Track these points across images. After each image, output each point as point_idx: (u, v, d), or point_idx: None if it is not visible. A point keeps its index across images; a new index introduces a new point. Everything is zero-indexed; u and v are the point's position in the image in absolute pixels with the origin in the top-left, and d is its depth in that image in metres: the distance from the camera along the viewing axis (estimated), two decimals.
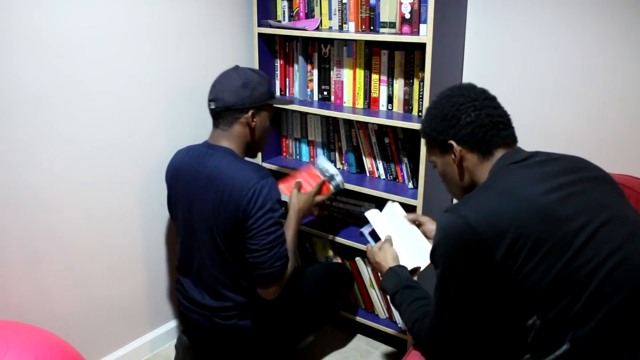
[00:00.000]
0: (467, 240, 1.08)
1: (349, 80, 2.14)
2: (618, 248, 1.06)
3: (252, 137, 1.80)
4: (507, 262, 1.05)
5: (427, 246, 1.63)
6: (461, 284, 1.12)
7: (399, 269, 1.48)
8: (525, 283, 1.06)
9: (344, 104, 2.18)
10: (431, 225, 1.67)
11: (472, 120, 1.22)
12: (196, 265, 1.81)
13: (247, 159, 1.82)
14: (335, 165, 2.30)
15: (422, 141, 1.87)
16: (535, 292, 1.06)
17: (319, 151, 2.33)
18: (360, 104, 2.14)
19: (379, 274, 1.58)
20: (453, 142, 1.24)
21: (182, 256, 1.88)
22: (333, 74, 2.18)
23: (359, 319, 2.23)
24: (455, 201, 2.18)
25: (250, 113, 1.75)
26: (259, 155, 2.36)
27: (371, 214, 1.82)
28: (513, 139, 1.25)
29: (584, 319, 1.04)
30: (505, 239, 1.05)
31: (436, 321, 1.19)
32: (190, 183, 1.76)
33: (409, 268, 1.53)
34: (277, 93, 2.37)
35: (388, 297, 1.47)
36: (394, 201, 1.85)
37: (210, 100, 1.77)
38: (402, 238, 1.67)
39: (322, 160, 2.01)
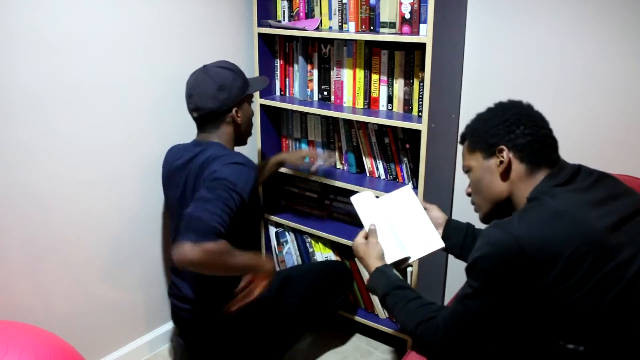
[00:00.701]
0: (516, 262, 1.07)
1: (348, 80, 2.14)
2: None
3: (239, 129, 1.83)
4: (556, 288, 1.05)
5: (433, 234, 1.55)
6: (497, 300, 1.11)
7: (386, 268, 1.44)
8: (573, 309, 1.06)
9: (344, 104, 2.18)
10: (437, 213, 1.61)
11: (530, 132, 1.22)
12: None
13: (237, 150, 1.82)
14: (335, 166, 2.30)
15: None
16: (584, 319, 1.06)
17: (319, 152, 2.33)
18: (360, 104, 2.14)
19: (363, 270, 1.54)
20: (505, 147, 1.23)
21: None
22: (333, 74, 2.18)
23: (358, 318, 2.23)
24: (450, 202, 2.18)
25: (233, 111, 1.77)
26: (259, 155, 2.36)
27: (357, 199, 1.63)
28: (558, 163, 1.25)
29: (636, 347, 1.05)
30: (557, 265, 1.05)
31: (460, 328, 1.18)
32: (180, 183, 1.76)
33: (402, 257, 1.49)
34: (277, 93, 2.37)
35: (376, 297, 1.42)
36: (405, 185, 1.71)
37: (192, 110, 1.77)
38: (401, 226, 1.57)
39: None
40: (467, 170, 1.33)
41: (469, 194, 1.36)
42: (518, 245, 1.06)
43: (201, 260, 1.46)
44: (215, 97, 1.73)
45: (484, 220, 1.33)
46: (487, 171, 1.26)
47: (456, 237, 1.56)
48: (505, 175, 1.24)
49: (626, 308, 1.05)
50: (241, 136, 1.86)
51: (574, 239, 1.06)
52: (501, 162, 1.23)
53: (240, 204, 1.57)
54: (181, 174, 1.76)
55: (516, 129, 1.22)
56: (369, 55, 2.06)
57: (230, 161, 1.64)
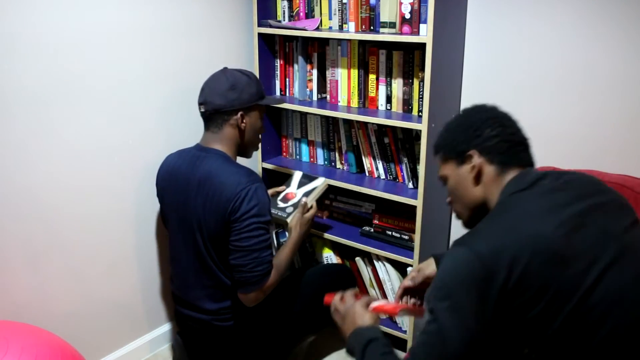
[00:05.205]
0: (479, 278, 1.05)
1: (343, 79, 2.14)
2: (627, 293, 1.05)
3: (242, 138, 1.80)
4: (513, 303, 1.05)
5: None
6: (466, 318, 1.08)
7: (360, 329, 1.32)
8: (530, 324, 1.05)
9: (339, 103, 2.18)
10: (428, 268, 1.58)
11: (497, 133, 1.23)
12: (182, 268, 1.83)
13: (239, 160, 1.82)
14: (335, 165, 2.30)
15: (421, 151, 1.87)
16: (541, 333, 1.05)
17: (319, 152, 2.33)
18: (355, 103, 2.14)
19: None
20: (475, 152, 1.23)
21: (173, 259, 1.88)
22: (328, 73, 2.18)
23: None
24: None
25: (239, 115, 1.75)
26: (260, 155, 2.36)
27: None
28: (529, 162, 1.25)
29: None
30: (512, 279, 1.04)
31: (431, 354, 1.12)
32: (182, 188, 1.76)
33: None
34: (277, 93, 2.37)
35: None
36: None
37: (200, 104, 1.78)
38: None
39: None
40: (443, 181, 1.33)
41: (449, 203, 1.35)
42: (479, 260, 1.05)
43: (267, 293, 1.74)
44: (224, 95, 1.73)
45: (466, 226, 1.32)
46: (462, 178, 1.27)
47: None
48: (477, 179, 1.24)
49: (583, 321, 1.04)
50: (245, 146, 1.84)
51: (526, 251, 1.04)
52: (473, 167, 1.23)
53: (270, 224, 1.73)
54: (186, 178, 1.75)
55: (482, 132, 1.23)
56: (363, 55, 2.06)
57: (250, 193, 1.64)
